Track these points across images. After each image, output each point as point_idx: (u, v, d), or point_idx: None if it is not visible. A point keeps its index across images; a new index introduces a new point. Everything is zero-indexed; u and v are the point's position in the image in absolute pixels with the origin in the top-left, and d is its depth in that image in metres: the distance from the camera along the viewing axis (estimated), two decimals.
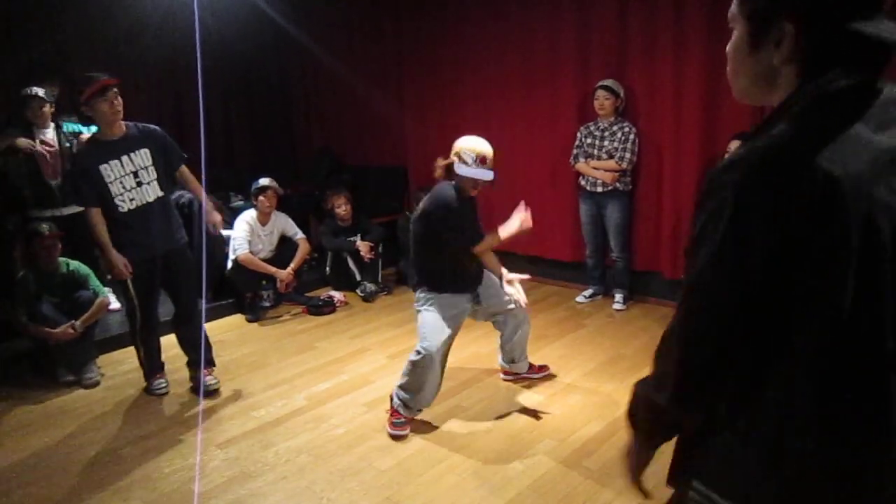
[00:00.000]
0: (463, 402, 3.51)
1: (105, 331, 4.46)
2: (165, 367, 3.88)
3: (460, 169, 3.11)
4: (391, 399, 3.26)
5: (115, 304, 4.86)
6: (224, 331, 4.79)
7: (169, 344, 3.91)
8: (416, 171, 6.43)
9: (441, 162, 3.21)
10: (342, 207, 5.57)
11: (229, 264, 5.01)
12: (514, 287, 3.35)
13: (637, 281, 5.03)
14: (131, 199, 3.43)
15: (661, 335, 1.05)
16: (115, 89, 3.34)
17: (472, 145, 3.13)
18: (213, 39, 6.02)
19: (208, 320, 4.75)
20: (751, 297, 0.88)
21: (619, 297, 4.98)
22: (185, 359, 3.84)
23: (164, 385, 3.79)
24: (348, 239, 5.57)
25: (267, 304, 5.21)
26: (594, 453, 2.97)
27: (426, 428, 3.24)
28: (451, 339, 3.19)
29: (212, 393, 3.71)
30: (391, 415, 3.23)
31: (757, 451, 0.93)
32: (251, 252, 5.01)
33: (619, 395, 3.52)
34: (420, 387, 3.14)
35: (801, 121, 0.87)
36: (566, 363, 3.98)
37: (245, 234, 5.00)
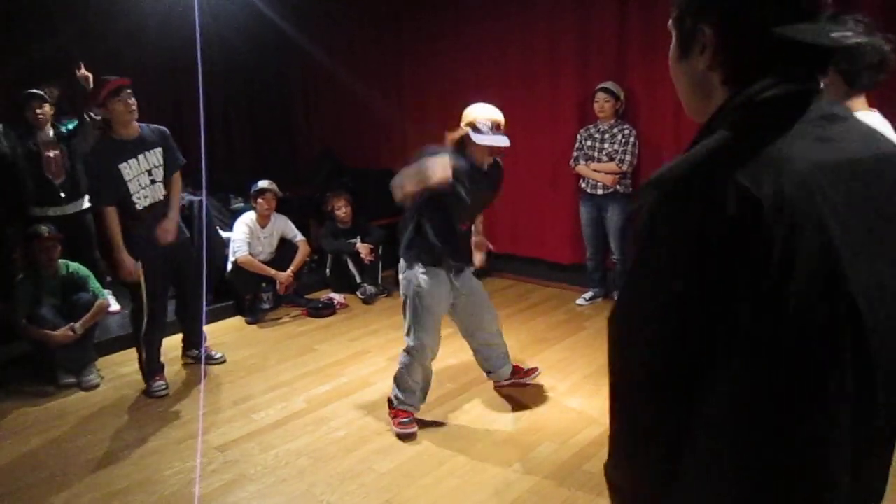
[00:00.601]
0: (463, 405, 3.51)
1: (105, 333, 4.45)
2: (165, 370, 3.89)
3: (477, 138, 2.99)
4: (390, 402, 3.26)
5: (114, 306, 4.86)
6: (223, 333, 4.79)
7: (168, 346, 3.92)
8: None
9: (452, 135, 3.08)
10: (342, 209, 5.57)
11: (229, 266, 5.00)
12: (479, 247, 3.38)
13: None
14: (146, 197, 3.57)
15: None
16: (129, 90, 3.47)
17: (486, 113, 3.06)
18: (214, 41, 6.03)
19: (208, 322, 4.75)
20: (672, 324, 0.80)
21: None
22: (179, 362, 3.90)
23: (163, 387, 3.79)
24: (348, 241, 5.57)
25: (266, 306, 5.20)
26: (594, 457, 2.96)
27: (426, 431, 3.24)
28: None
29: (221, 363, 4.07)
30: (396, 415, 3.23)
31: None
32: (250, 254, 5.01)
33: None
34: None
35: (725, 134, 0.80)
36: (566, 366, 3.97)
37: (244, 237, 5.00)
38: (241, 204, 5.88)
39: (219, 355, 4.19)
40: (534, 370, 3.73)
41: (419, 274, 3.11)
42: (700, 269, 0.76)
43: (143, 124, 3.61)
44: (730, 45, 0.86)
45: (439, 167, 2.68)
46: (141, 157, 3.54)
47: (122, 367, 4.20)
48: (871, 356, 0.78)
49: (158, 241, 3.61)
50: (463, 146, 3.08)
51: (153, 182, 3.58)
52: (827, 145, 0.80)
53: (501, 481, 2.79)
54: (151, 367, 3.80)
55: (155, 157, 3.59)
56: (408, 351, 3.16)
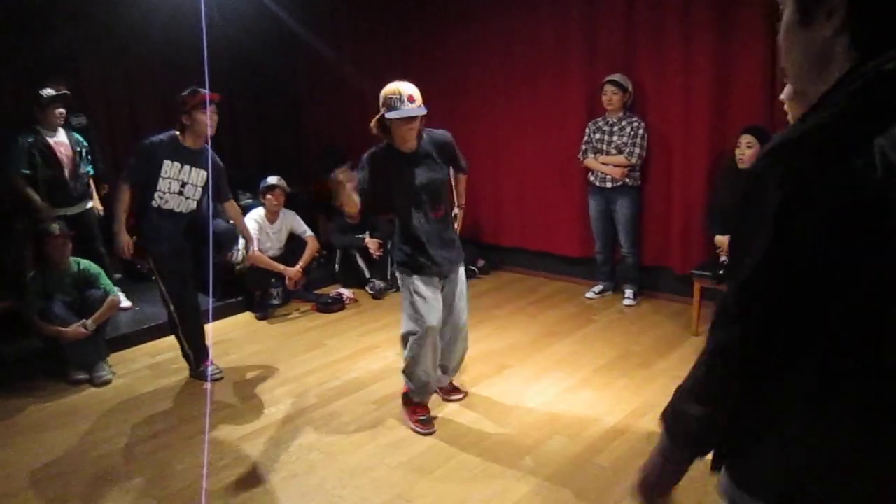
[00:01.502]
0: (472, 400, 3.50)
1: (115, 329, 4.47)
2: (168, 367, 3.92)
3: (388, 114, 2.95)
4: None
5: (125, 302, 4.89)
6: (233, 329, 4.80)
7: (173, 343, 3.96)
8: None
9: (372, 121, 3.06)
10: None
11: (238, 257, 5.00)
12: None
13: (646, 276, 5.00)
14: (165, 201, 3.65)
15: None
16: (216, 105, 3.61)
17: (393, 87, 2.98)
18: (221, 37, 6.03)
19: (217, 318, 4.77)
20: (798, 299, 0.82)
21: (628, 292, 4.96)
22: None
23: (217, 370, 3.89)
24: (357, 236, 5.57)
25: (276, 301, 5.21)
26: (605, 450, 2.96)
27: (437, 426, 3.23)
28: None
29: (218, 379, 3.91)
30: (411, 412, 3.25)
31: (793, 456, 0.89)
32: (260, 250, 5.01)
33: (630, 391, 3.50)
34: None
35: (855, 102, 0.80)
36: (576, 359, 3.96)
37: (254, 232, 5.00)
38: (250, 200, 5.89)
39: (217, 371, 3.98)
40: (459, 392, 3.54)
41: (412, 278, 3.10)
42: (838, 237, 0.78)
43: (208, 148, 3.71)
44: (861, 9, 0.85)
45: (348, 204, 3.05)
46: (186, 167, 3.65)
47: (134, 363, 4.23)
48: None
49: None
50: (387, 130, 3.05)
51: (181, 193, 3.67)
52: None
53: (512, 475, 2.79)
54: (197, 354, 3.90)
55: (197, 176, 3.70)
56: (412, 338, 3.10)
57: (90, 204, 4.77)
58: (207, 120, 3.55)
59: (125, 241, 3.64)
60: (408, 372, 3.19)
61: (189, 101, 3.55)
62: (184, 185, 3.68)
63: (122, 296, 4.87)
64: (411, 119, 2.98)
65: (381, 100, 3.02)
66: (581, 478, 2.75)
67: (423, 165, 3.09)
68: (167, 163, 3.59)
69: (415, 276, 3.08)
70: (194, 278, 3.83)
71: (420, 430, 3.18)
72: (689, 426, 0.99)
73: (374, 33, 6.55)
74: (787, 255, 0.81)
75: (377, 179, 3.07)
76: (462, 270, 3.30)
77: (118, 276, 5.14)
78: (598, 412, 3.30)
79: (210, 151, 3.71)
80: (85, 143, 4.75)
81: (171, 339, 4.39)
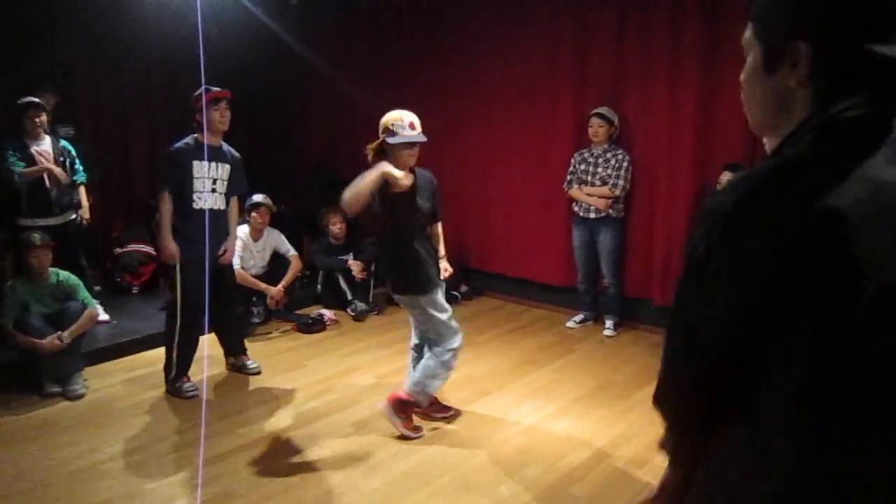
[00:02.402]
0: (451, 425, 3.49)
1: (93, 343, 4.42)
2: (144, 382, 3.89)
3: (391, 139, 3.07)
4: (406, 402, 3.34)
5: (103, 315, 4.84)
6: (212, 346, 4.74)
7: (152, 358, 3.91)
8: None
9: (370, 146, 3.16)
10: (337, 226, 5.58)
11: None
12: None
13: (628, 307, 5.04)
14: (203, 200, 3.78)
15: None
16: (227, 102, 3.77)
17: (397, 114, 3.14)
18: (214, 53, 6.05)
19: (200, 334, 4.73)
20: (734, 327, 0.84)
21: (609, 323, 4.99)
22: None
23: (193, 388, 3.85)
24: (340, 258, 5.57)
25: (256, 320, 5.18)
26: (581, 480, 2.96)
27: (413, 450, 3.22)
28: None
29: (256, 374, 4.18)
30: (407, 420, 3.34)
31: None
32: (242, 268, 5.00)
33: (608, 421, 3.51)
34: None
35: (810, 148, 0.83)
36: (555, 388, 3.97)
37: (237, 250, 4.99)
38: None
39: (254, 365, 4.25)
40: (450, 410, 3.60)
41: (434, 293, 3.25)
42: (771, 269, 0.79)
43: (226, 144, 3.92)
44: (825, 62, 0.87)
45: (385, 166, 2.95)
46: (213, 164, 3.79)
47: (109, 377, 4.17)
48: None
49: (222, 262, 3.97)
50: (384, 156, 3.12)
51: (213, 191, 3.82)
52: None
53: (488, 503, 2.78)
54: (181, 367, 3.87)
55: (223, 170, 3.86)
56: (450, 353, 3.32)
57: (74, 215, 4.73)
58: (218, 116, 3.71)
59: (172, 248, 3.73)
60: (434, 383, 3.34)
61: (201, 100, 3.63)
62: (215, 181, 3.81)
63: (100, 309, 4.82)
64: (412, 145, 3.10)
65: (381, 126, 3.14)
66: None
67: (420, 192, 3.23)
68: (196, 163, 3.71)
69: (438, 290, 3.26)
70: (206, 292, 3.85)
71: (416, 434, 3.31)
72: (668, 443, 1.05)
73: (368, 55, 6.62)
74: (723, 280, 0.84)
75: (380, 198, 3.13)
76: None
77: (97, 288, 5.10)
78: (575, 441, 3.31)
79: (226, 145, 3.89)
80: (72, 153, 4.73)
81: (149, 355, 4.37)
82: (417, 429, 3.37)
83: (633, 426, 3.43)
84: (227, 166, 3.88)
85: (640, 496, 2.79)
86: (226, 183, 3.88)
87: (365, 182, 2.96)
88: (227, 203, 3.95)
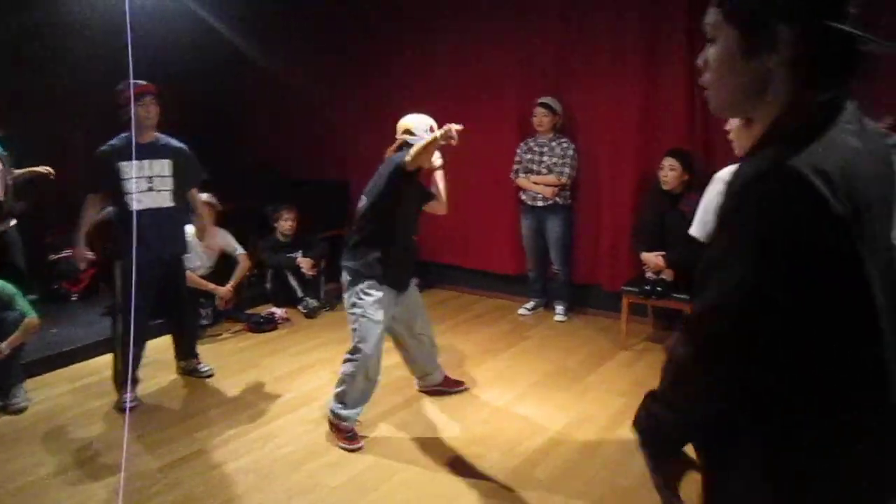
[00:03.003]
0: (410, 418, 3.51)
1: (31, 354, 4.23)
2: (90, 392, 3.76)
3: (413, 139, 3.20)
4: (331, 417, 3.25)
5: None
6: (161, 351, 4.61)
7: (96, 366, 3.78)
8: (359, 186, 6.38)
9: (392, 147, 3.31)
10: (288, 222, 5.50)
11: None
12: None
13: (577, 293, 5.15)
14: (139, 202, 3.58)
15: (669, 356, 1.04)
16: (152, 97, 3.61)
17: (419, 119, 3.31)
18: (150, 49, 5.85)
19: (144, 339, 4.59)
20: (777, 323, 0.88)
21: (560, 308, 5.09)
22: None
23: (132, 398, 3.65)
24: (289, 255, 5.50)
25: (205, 321, 5.05)
26: (542, 463, 3.02)
27: (376, 444, 3.22)
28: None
29: (209, 377, 4.07)
30: (339, 430, 3.21)
31: (774, 483, 0.94)
32: (189, 268, 4.86)
33: (565, 404, 3.59)
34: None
35: (806, 135, 0.88)
36: (511, 375, 4.03)
37: None
38: None
39: (206, 368, 4.14)
40: (462, 383, 3.80)
41: (365, 288, 3.14)
42: (811, 261, 0.85)
43: (164, 136, 3.74)
44: (806, 45, 0.91)
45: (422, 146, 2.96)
46: (145, 162, 3.60)
47: (53, 388, 4.01)
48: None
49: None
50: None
51: (150, 189, 3.63)
52: (863, 141, 0.91)
53: (452, 491, 2.81)
54: (121, 378, 3.69)
55: (159, 167, 3.66)
56: (351, 362, 3.16)
57: (13, 222, 4.53)
58: (143, 112, 3.54)
59: (82, 251, 3.63)
60: (339, 393, 3.24)
61: (122, 95, 3.47)
62: (150, 179, 3.63)
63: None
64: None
65: (401, 128, 3.32)
66: (520, 491, 2.79)
67: (420, 196, 3.39)
68: (123, 164, 3.53)
69: (372, 283, 3.16)
70: (152, 297, 3.75)
71: (346, 446, 3.17)
72: (661, 429, 1.06)
73: (311, 49, 6.53)
74: (762, 282, 0.87)
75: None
76: (414, 289, 3.51)
77: (34, 296, 4.88)
78: (534, 426, 3.37)
79: (165, 139, 3.72)
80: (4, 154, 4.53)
81: (94, 363, 4.22)
82: (350, 440, 3.19)
83: (588, 407, 3.52)
84: (167, 161, 3.69)
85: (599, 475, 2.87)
86: (167, 179, 3.69)
87: (423, 144, 2.96)
88: (177, 199, 3.75)
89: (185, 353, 4.13)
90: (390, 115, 5.90)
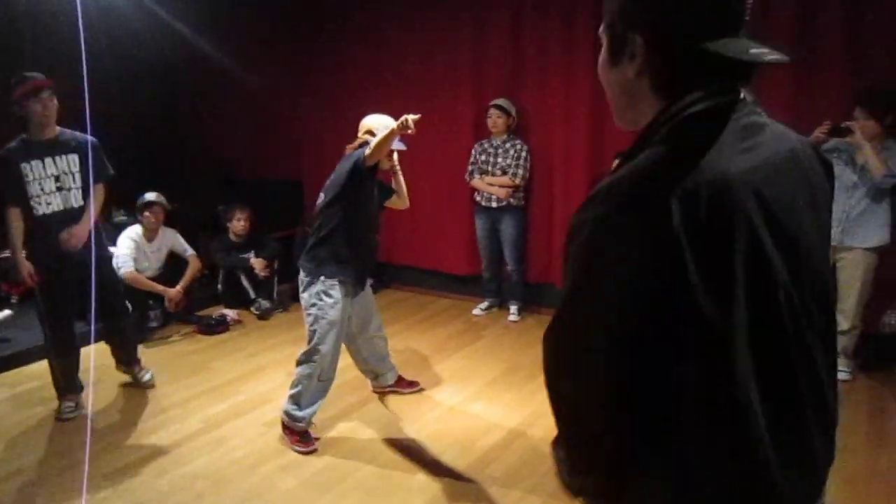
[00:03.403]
0: (365, 418, 3.50)
1: None
2: (33, 397, 3.62)
3: (374, 141, 3.09)
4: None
5: None
6: (108, 353, 4.49)
7: (38, 371, 3.65)
8: (313, 185, 6.34)
9: (352, 145, 3.27)
10: (241, 223, 5.40)
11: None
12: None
13: (531, 292, 5.21)
14: (48, 204, 3.36)
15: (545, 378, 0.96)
16: (50, 91, 3.31)
17: (381, 119, 3.30)
18: (97, 41, 5.68)
19: (88, 342, 4.45)
20: (626, 338, 0.83)
21: (513, 308, 5.14)
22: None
23: (71, 408, 3.52)
24: (242, 256, 5.41)
25: (154, 324, 4.94)
26: (496, 460, 3.05)
27: (330, 445, 3.21)
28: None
29: (150, 387, 3.87)
30: (292, 434, 3.19)
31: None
32: (137, 270, 4.75)
33: (518, 403, 3.63)
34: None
35: (661, 148, 0.85)
36: (466, 375, 4.06)
37: (129, 252, 4.74)
38: (124, 217, 5.57)
39: (147, 377, 3.93)
40: (416, 384, 3.81)
41: (324, 287, 3.10)
42: (651, 274, 0.80)
43: (68, 130, 3.45)
44: (658, 55, 0.90)
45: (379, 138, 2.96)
46: (48, 160, 3.34)
47: (2, 388, 3.87)
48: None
49: (64, 245, 3.39)
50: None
51: (60, 189, 3.38)
52: (750, 154, 0.85)
53: (406, 490, 2.82)
54: (59, 386, 3.54)
55: (66, 163, 3.39)
56: (308, 363, 3.13)
57: None
58: (41, 109, 3.28)
59: (26, 270, 3.36)
60: (294, 395, 3.19)
61: (17, 91, 3.26)
62: (58, 178, 3.38)
63: None
64: (392, 151, 3.25)
65: (363, 127, 3.31)
66: (474, 488, 2.82)
67: (377, 193, 3.36)
68: (25, 166, 3.29)
69: (330, 281, 3.11)
70: (75, 303, 3.57)
71: (299, 448, 3.15)
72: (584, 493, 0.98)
73: (265, 46, 6.43)
74: (602, 294, 0.84)
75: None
76: (368, 288, 3.50)
77: None
78: (488, 424, 3.40)
79: (68, 133, 3.44)
80: None
81: (35, 368, 4.09)
82: (304, 443, 3.18)
83: (541, 406, 3.56)
84: (74, 156, 3.41)
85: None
86: (76, 176, 3.42)
87: (382, 136, 2.97)
88: (87, 196, 3.47)
89: (124, 361, 3.90)
90: (343, 115, 5.93)
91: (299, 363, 3.17)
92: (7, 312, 4.56)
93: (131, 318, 3.84)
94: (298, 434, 3.17)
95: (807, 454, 0.92)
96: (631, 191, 0.83)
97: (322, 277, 3.11)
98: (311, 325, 3.13)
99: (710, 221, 0.78)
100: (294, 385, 3.17)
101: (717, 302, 0.79)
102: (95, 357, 3.77)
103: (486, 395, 3.76)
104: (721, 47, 0.85)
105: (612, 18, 0.95)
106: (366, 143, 3.17)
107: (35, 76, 3.31)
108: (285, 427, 3.21)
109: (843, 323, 3.74)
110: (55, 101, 3.34)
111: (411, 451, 3.15)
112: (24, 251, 3.43)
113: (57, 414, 3.53)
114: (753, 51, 0.87)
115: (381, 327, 3.60)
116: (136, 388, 3.93)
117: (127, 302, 4.03)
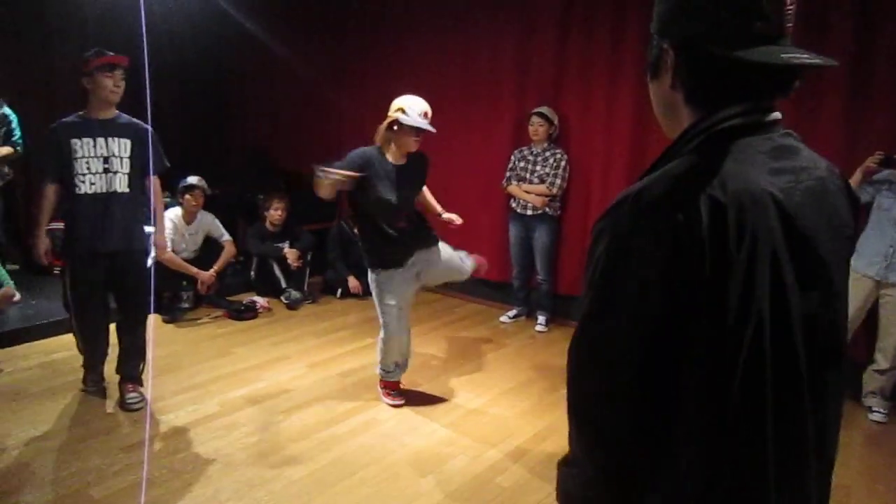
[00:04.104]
0: (379, 416, 3.49)
1: (5, 324, 4.21)
2: (62, 367, 3.71)
3: (405, 119, 3.19)
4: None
5: (18, 295, 4.63)
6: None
7: (70, 341, 3.74)
8: None
9: (382, 125, 3.30)
10: (278, 211, 5.47)
11: (149, 262, 4.83)
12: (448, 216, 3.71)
13: (560, 304, 5.15)
14: (91, 184, 3.26)
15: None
16: (122, 70, 3.26)
17: (415, 101, 3.27)
18: (153, 29, 5.84)
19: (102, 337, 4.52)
20: (646, 346, 0.83)
21: (541, 319, 5.08)
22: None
23: (95, 383, 3.57)
24: (276, 245, 5.48)
25: (186, 305, 5.04)
26: (506, 471, 3.01)
27: (341, 440, 3.21)
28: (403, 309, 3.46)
29: (133, 411, 3.40)
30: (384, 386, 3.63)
31: None
32: (173, 251, 4.85)
33: (535, 415, 3.58)
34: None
35: (691, 160, 0.85)
36: (485, 381, 4.02)
37: (168, 233, 4.84)
38: (167, 199, 5.69)
39: (136, 398, 3.48)
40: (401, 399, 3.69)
41: (373, 276, 3.43)
42: (676, 276, 0.80)
43: (125, 115, 3.39)
44: (687, 66, 0.89)
45: (331, 174, 3.10)
46: (100, 140, 3.26)
47: (24, 360, 3.99)
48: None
49: (158, 259, 3.60)
50: (391, 135, 3.26)
51: (106, 171, 3.28)
52: (779, 175, 0.85)
53: (413, 492, 2.80)
54: (88, 365, 3.58)
55: (118, 146, 3.30)
56: (383, 339, 3.48)
57: None
58: (110, 83, 3.22)
59: (42, 246, 3.34)
60: (380, 357, 3.59)
61: (92, 62, 3.19)
62: (107, 160, 3.27)
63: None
64: (420, 132, 3.24)
65: (394, 105, 3.27)
66: (481, 497, 2.78)
67: (406, 180, 3.33)
68: (75, 142, 3.21)
69: (379, 271, 3.40)
70: (101, 290, 3.46)
71: (387, 401, 3.62)
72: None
73: (311, 42, 6.53)
74: (622, 303, 0.83)
75: (367, 170, 3.23)
76: (436, 252, 3.69)
77: (14, 267, 4.86)
78: (501, 433, 3.36)
79: (126, 118, 3.38)
80: (12, 121, 4.53)
81: (68, 338, 4.19)
82: (393, 396, 3.62)
83: (558, 419, 3.51)
84: (127, 141, 3.31)
85: None
86: (126, 160, 3.32)
87: (324, 184, 3.16)
88: (134, 185, 3.37)
89: (123, 372, 3.56)
90: (383, 114, 5.95)
91: (379, 338, 3.53)
92: (18, 296, 4.70)
93: (145, 326, 3.58)
94: (389, 388, 3.62)
95: (801, 496, 0.88)
96: (662, 195, 0.82)
97: (369, 270, 3.44)
98: (377, 308, 3.46)
99: (734, 233, 0.78)
100: (378, 353, 3.56)
101: (733, 320, 0.79)
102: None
103: (503, 404, 3.71)
104: (749, 54, 0.83)
105: (651, 30, 0.96)
106: (396, 122, 3.23)
107: (111, 53, 3.25)
108: (381, 381, 3.64)
109: (883, 362, 3.59)
110: (124, 82, 3.29)
111: (421, 453, 3.13)
112: (47, 226, 3.39)
113: (83, 386, 3.61)
114: (785, 55, 0.84)
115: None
116: (156, 368, 3.99)
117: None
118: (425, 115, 3.25)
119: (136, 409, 3.41)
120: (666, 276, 0.80)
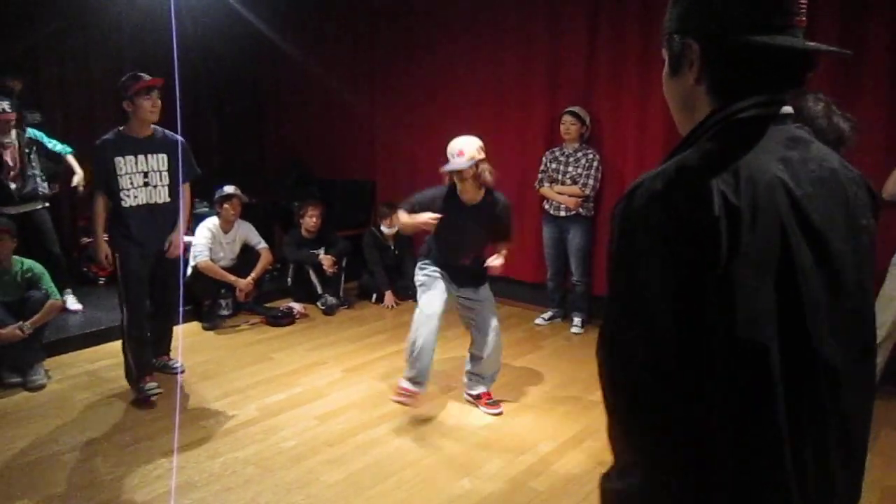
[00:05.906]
0: (415, 419, 3.51)
1: (60, 332, 4.37)
2: (107, 374, 3.84)
3: (446, 167, 3.41)
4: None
5: (74, 305, 4.84)
6: (179, 338, 4.71)
7: (115, 350, 3.86)
8: (384, 186, 6.45)
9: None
10: (313, 218, 5.54)
11: (189, 271, 4.95)
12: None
13: (596, 305, 5.09)
14: (135, 197, 3.56)
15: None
16: (158, 91, 3.50)
17: (451, 144, 3.44)
18: (188, 41, 6.00)
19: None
20: (667, 333, 0.82)
21: (577, 320, 5.04)
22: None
23: (155, 387, 3.63)
24: (311, 252, 5.55)
25: (225, 312, 5.15)
26: (542, 474, 2.99)
27: (377, 443, 3.23)
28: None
29: (181, 372, 3.98)
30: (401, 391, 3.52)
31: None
32: (212, 259, 4.96)
33: (571, 417, 3.55)
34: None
35: (708, 146, 0.87)
36: (521, 384, 4.00)
37: (206, 241, 4.96)
38: (206, 209, 5.83)
39: (178, 365, 4.06)
40: (497, 406, 3.65)
41: (419, 263, 3.63)
42: (689, 260, 0.81)
43: (160, 129, 3.64)
44: (713, 57, 0.92)
45: (405, 221, 3.46)
46: (140, 157, 3.54)
47: (72, 367, 4.12)
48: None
49: (170, 255, 3.73)
50: (453, 179, 3.44)
51: (146, 185, 3.57)
52: (791, 163, 0.87)
53: (448, 496, 2.80)
54: (139, 368, 3.66)
55: (156, 161, 3.59)
56: (417, 314, 3.50)
57: (40, 205, 4.68)
58: (149, 105, 3.45)
59: (103, 250, 3.66)
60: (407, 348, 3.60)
61: (131, 87, 3.43)
62: (146, 174, 3.57)
63: (71, 298, 4.88)
64: (458, 171, 3.35)
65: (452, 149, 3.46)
66: (516, 501, 2.77)
67: (473, 223, 3.47)
68: (118, 160, 3.49)
69: (428, 263, 3.60)
70: (147, 289, 3.73)
71: (399, 399, 3.55)
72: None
73: (343, 50, 6.61)
74: (639, 290, 0.84)
75: (432, 208, 3.42)
76: (481, 293, 3.75)
77: (68, 288, 5.03)
78: (537, 436, 3.34)
79: (162, 132, 3.63)
80: (40, 140, 4.69)
81: (113, 346, 4.32)
82: (404, 395, 3.52)
83: (595, 422, 3.47)
84: (163, 156, 3.60)
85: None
86: (164, 174, 3.61)
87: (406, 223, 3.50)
88: (174, 194, 3.67)
89: (160, 350, 4.03)
90: (416, 120, 6.01)
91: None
92: (79, 306, 4.90)
93: (173, 323, 4.01)
94: (403, 390, 3.52)
95: (826, 488, 0.88)
96: (678, 179, 0.84)
97: (418, 260, 3.67)
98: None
99: (748, 218, 0.80)
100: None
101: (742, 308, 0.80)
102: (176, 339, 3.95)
103: (539, 407, 3.69)
104: (774, 40, 0.88)
105: (669, 30, 0.98)
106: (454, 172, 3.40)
107: (148, 76, 3.47)
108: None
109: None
110: (160, 101, 3.51)
111: (457, 457, 3.13)
112: (104, 236, 3.69)
113: (140, 394, 3.62)
114: (810, 44, 0.89)
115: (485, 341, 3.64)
116: (198, 374, 4.09)
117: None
118: (460, 153, 3.37)
119: (179, 373, 3.98)
120: (679, 261, 0.81)
